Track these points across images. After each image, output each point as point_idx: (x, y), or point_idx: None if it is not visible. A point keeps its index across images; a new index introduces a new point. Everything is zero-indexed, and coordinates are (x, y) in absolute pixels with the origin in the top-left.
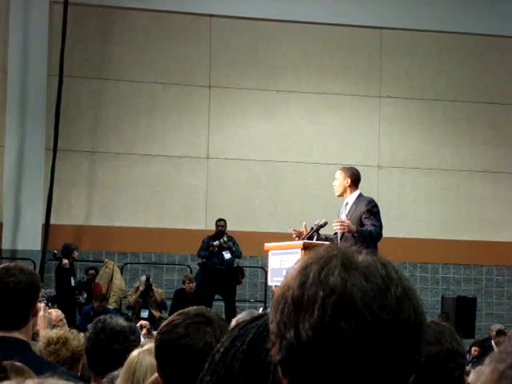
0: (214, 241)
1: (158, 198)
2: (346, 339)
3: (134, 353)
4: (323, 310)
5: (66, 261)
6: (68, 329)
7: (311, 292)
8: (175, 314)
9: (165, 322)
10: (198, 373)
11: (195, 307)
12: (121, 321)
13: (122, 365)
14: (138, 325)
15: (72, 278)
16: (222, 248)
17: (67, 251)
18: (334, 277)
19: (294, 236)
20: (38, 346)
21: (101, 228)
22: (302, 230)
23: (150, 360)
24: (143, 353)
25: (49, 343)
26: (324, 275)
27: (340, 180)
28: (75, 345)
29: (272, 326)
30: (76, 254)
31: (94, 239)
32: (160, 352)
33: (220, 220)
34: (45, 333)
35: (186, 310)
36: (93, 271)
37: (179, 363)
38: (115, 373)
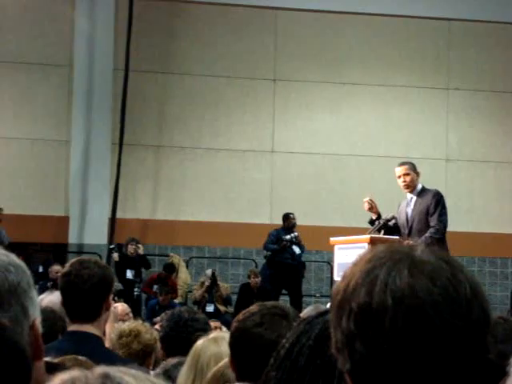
0: (284, 235)
1: (222, 192)
2: (418, 347)
3: (199, 341)
4: (394, 321)
5: (115, 254)
6: (141, 322)
7: (379, 300)
8: (253, 305)
9: (243, 311)
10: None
11: (273, 301)
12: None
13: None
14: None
15: (128, 271)
16: (292, 243)
17: (120, 245)
18: (401, 283)
19: (366, 208)
20: (110, 339)
21: (166, 222)
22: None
23: (214, 349)
24: (208, 341)
25: (121, 336)
26: (391, 282)
27: (412, 175)
28: (147, 338)
29: (336, 334)
30: (132, 247)
31: (159, 233)
32: (234, 339)
33: (291, 213)
34: (117, 325)
35: (266, 302)
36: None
37: (251, 352)
38: (170, 361)
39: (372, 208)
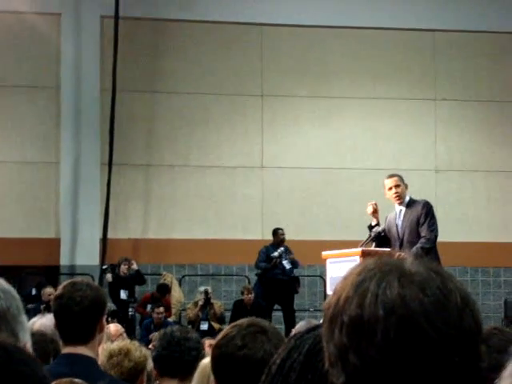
0: (272, 252)
1: (213, 209)
2: (411, 358)
3: (207, 359)
4: (386, 332)
5: (108, 275)
6: (129, 340)
7: (370, 312)
8: (228, 327)
9: (220, 336)
10: None
11: (247, 318)
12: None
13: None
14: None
15: (122, 292)
16: (281, 258)
17: (114, 265)
18: (391, 294)
19: (370, 211)
20: (101, 360)
21: (158, 241)
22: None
23: None
24: None
25: (111, 356)
26: (382, 293)
27: (402, 187)
28: (137, 356)
29: (329, 347)
30: (125, 267)
31: (151, 252)
32: (217, 365)
33: (280, 229)
34: (106, 346)
35: (239, 321)
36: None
37: (239, 375)
38: None
39: (375, 212)
